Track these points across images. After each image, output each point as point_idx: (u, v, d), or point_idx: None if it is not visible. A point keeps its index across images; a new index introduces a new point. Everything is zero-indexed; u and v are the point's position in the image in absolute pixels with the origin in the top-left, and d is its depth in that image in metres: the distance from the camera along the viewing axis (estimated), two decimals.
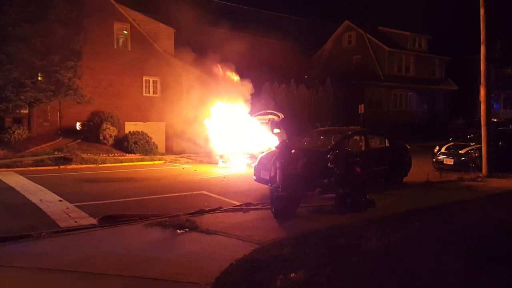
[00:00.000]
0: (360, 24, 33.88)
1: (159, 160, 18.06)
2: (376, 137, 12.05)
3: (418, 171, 12.06)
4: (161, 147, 21.22)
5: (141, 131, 19.99)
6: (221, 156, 16.26)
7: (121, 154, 18.46)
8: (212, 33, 20.01)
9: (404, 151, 11.84)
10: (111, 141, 19.64)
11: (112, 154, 18.21)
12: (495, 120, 22.26)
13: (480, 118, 12.82)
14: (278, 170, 7.41)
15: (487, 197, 9.47)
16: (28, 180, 12.02)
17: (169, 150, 21.40)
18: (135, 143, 19.21)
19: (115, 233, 6.51)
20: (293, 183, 7.31)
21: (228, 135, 16.11)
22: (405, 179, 11.42)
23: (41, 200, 9.22)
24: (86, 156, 16.65)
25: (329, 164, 8.22)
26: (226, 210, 7.83)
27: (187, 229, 6.37)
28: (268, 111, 18.02)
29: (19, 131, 17.83)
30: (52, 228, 6.74)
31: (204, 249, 5.57)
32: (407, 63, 35.17)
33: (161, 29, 24.01)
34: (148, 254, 5.46)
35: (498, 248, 5.79)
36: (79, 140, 19.31)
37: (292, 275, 4.51)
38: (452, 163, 14.13)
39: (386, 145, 11.60)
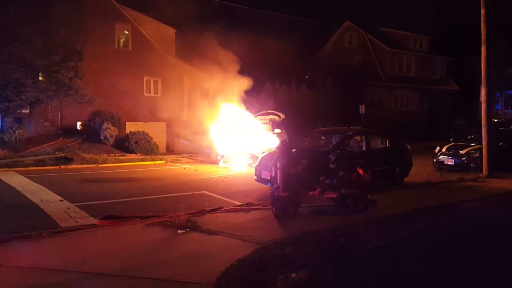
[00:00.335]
0: (361, 24, 33.87)
1: (160, 160, 18.06)
2: (377, 137, 12.04)
3: (419, 171, 12.06)
4: (162, 147, 21.21)
5: (142, 131, 19.99)
6: (222, 156, 16.26)
7: (122, 154, 18.46)
8: (213, 33, 19.98)
9: (405, 151, 11.83)
10: (112, 141, 19.64)
11: (113, 154, 18.21)
12: (495, 120, 22.23)
13: (480, 119, 12.81)
14: (279, 170, 7.41)
15: (488, 197, 9.45)
16: (29, 180, 12.02)
17: (170, 150, 21.39)
18: (136, 143, 19.21)
19: (116, 233, 6.51)
20: (294, 183, 7.30)
21: (229, 135, 16.11)
22: (406, 179, 11.41)
23: (41, 200, 9.23)
24: (87, 156, 16.65)
25: (330, 165, 8.22)
26: (227, 210, 7.83)
27: (188, 229, 6.37)
28: (269, 111, 18.02)
29: (20, 131, 17.83)
30: (52, 228, 6.75)
31: (205, 249, 5.57)
32: (408, 63, 35.16)
33: (162, 29, 24.03)
34: (149, 254, 5.47)
35: (499, 249, 5.79)
36: (80, 140, 19.32)
37: (293, 275, 4.52)
38: (452, 164, 14.12)
39: (387, 145, 11.59)
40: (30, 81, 17.27)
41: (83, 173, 14.13)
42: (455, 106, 36.41)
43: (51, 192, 10.17)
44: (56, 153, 16.56)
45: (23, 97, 17.35)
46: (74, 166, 15.42)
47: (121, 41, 22.11)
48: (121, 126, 20.66)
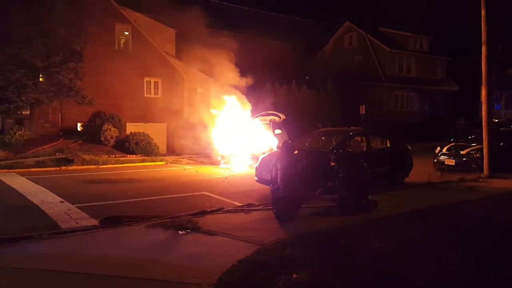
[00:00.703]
0: (361, 25, 33.88)
1: (161, 161, 18.05)
2: (378, 137, 12.03)
3: (420, 171, 12.04)
4: (163, 148, 21.22)
5: (143, 132, 19.99)
6: (223, 157, 16.27)
7: (122, 155, 18.46)
8: (213, 34, 20.00)
9: (406, 151, 11.82)
10: (112, 142, 19.64)
11: (113, 155, 18.21)
12: (496, 120, 22.25)
13: (481, 119, 12.81)
14: (279, 171, 7.40)
15: (488, 197, 9.45)
16: (29, 181, 12.03)
17: (170, 151, 21.39)
18: (137, 144, 19.21)
19: (117, 234, 6.51)
20: (295, 184, 7.30)
21: (229, 136, 16.12)
22: (406, 179, 11.40)
23: (42, 201, 9.22)
24: (87, 157, 16.65)
25: (331, 165, 8.21)
26: (227, 211, 7.83)
27: (188, 230, 6.37)
28: (269, 111, 18.00)
29: (20, 132, 17.84)
30: (53, 229, 6.75)
31: (206, 250, 5.57)
32: (408, 63, 35.16)
33: (162, 30, 24.04)
34: (149, 255, 5.46)
35: (500, 249, 5.78)
36: (80, 141, 19.32)
37: (294, 276, 4.51)
38: (453, 164, 14.11)
39: (388, 145, 11.59)
40: (31, 82, 17.28)
41: (84, 174, 14.13)
42: (455, 107, 36.41)
43: (51, 193, 10.17)
44: (57, 154, 16.56)
45: (23, 98, 17.35)
46: (75, 167, 15.43)
47: (121, 42, 22.13)
48: (121, 127, 20.68)
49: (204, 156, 18.60)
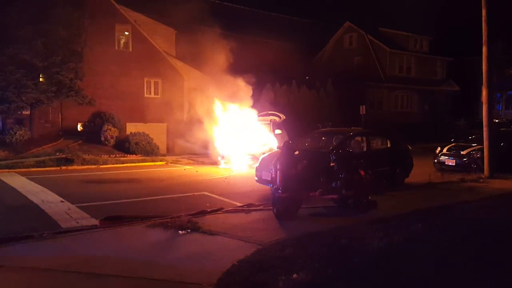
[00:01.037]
0: (361, 25, 33.85)
1: (161, 161, 18.05)
2: (378, 138, 12.03)
3: (420, 172, 12.04)
4: (163, 148, 21.21)
5: (143, 132, 19.99)
6: (223, 157, 16.26)
7: (123, 155, 18.45)
8: (213, 34, 19.95)
9: (406, 152, 11.82)
10: (112, 142, 19.65)
11: (114, 155, 18.21)
12: (496, 121, 22.24)
13: (481, 119, 12.81)
14: (279, 171, 7.40)
15: (489, 198, 9.45)
16: (29, 181, 12.03)
17: (170, 151, 21.40)
18: (137, 144, 19.21)
19: (117, 234, 6.51)
20: (295, 184, 7.30)
21: (229, 136, 16.10)
22: (406, 180, 11.40)
23: (42, 201, 9.23)
24: (88, 157, 16.65)
25: (331, 165, 8.21)
26: (227, 211, 7.83)
27: (189, 230, 6.37)
28: (269, 112, 18.01)
29: (20, 132, 17.85)
30: (54, 229, 6.75)
31: (206, 250, 5.57)
32: (408, 64, 35.14)
33: (162, 30, 24.04)
34: (150, 255, 5.46)
35: (501, 250, 5.78)
36: (80, 141, 19.32)
37: (294, 276, 4.51)
38: (453, 164, 14.10)
39: (388, 146, 11.58)
40: (31, 82, 17.28)
41: (84, 174, 14.13)
42: (455, 107, 36.40)
43: (52, 193, 10.17)
44: (57, 154, 16.57)
45: (23, 98, 17.36)
46: (75, 167, 15.43)
47: (121, 42, 22.13)
48: (121, 127, 20.67)
49: (204, 156, 18.61)
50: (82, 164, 15.76)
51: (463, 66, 36.83)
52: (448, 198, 9.14)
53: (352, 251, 5.43)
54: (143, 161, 17.64)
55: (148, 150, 19.27)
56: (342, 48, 35.58)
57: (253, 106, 17.77)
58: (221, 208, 8.02)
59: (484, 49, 12.46)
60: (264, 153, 12.46)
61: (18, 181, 12.05)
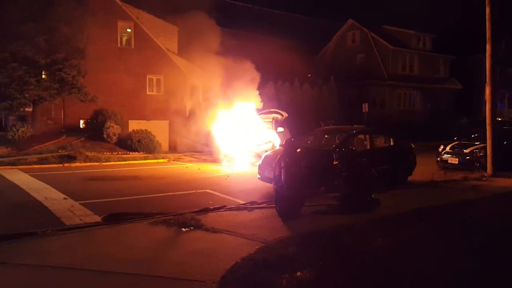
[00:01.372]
0: (364, 22, 33.76)
1: (163, 158, 18.06)
2: (381, 136, 12.01)
3: (423, 170, 12.01)
4: (165, 145, 21.22)
5: (145, 130, 19.99)
6: (225, 155, 16.25)
7: (125, 153, 18.47)
8: (216, 31, 19.94)
9: (409, 150, 11.78)
10: (114, 139, 19.65)
11: (116, 152, 18.23)
12: (499, 119, 22.13)
13: (484, 117, 12.77)
14: (283, 169, 7.39)
15: (492, 196, 9.43)
16: (32, 178, 12.04)
17: (172, 149, 21.40)
18: (139, 141, 19.22)
19: (120, 231, 6.52)
20: (298, 182, 7.29)
21: (232, 133, 16.09)
22: (409, 178, 11.37)
23: (46, 198, 9.24)
24: (90, 154, 16.67)
25: (334, 163, 8.20)
26: (230, 209, 7.84)
27: (192, 228, 6.38)
28: (272, 109, 17.99)
29: (23, 129, 17.87)
30: (57, 226, 6.75)
31: (209, 248, 5.57)
32: (411, 62, 35.03)
33: (165, 27, 23.99)
34: (153, 252, 5.47)
35: (504, 249, 5.76)
36: (82, 138, 19.33)
37: (298, 274, 4.51)
38: (456, 163, 14.07)
39: (391, 144, 11.56)
40: (33, 79, 17.30)
41: (87, 171, 14.15)
42: (458, 105, 36.28)
43: (55, 190, 10.18)
44: (59, 151, 16.58)
45: (26, 95, 17.39)
46: (77, 164, 15.45)
47: (124, 39, 22.11)
48: (124, 125, 20.67)
49: (207, 154, 18.60)
50: (84, 161, 15.78)
51: (466, 64, 36.71)
52: (451, 197, 9.12)
53: (356, 250, 5.42)
54: (145, 158, 17.66)
55: (150, 148, 19.28)
56: (344, 46, 35.49)
57: (255, 104, 17.76)
58: (224, 206, 8.02)
59: (488, 47, 12.40)
60: (266, 151, 12.45)
61: (20, 178, 12.07)
